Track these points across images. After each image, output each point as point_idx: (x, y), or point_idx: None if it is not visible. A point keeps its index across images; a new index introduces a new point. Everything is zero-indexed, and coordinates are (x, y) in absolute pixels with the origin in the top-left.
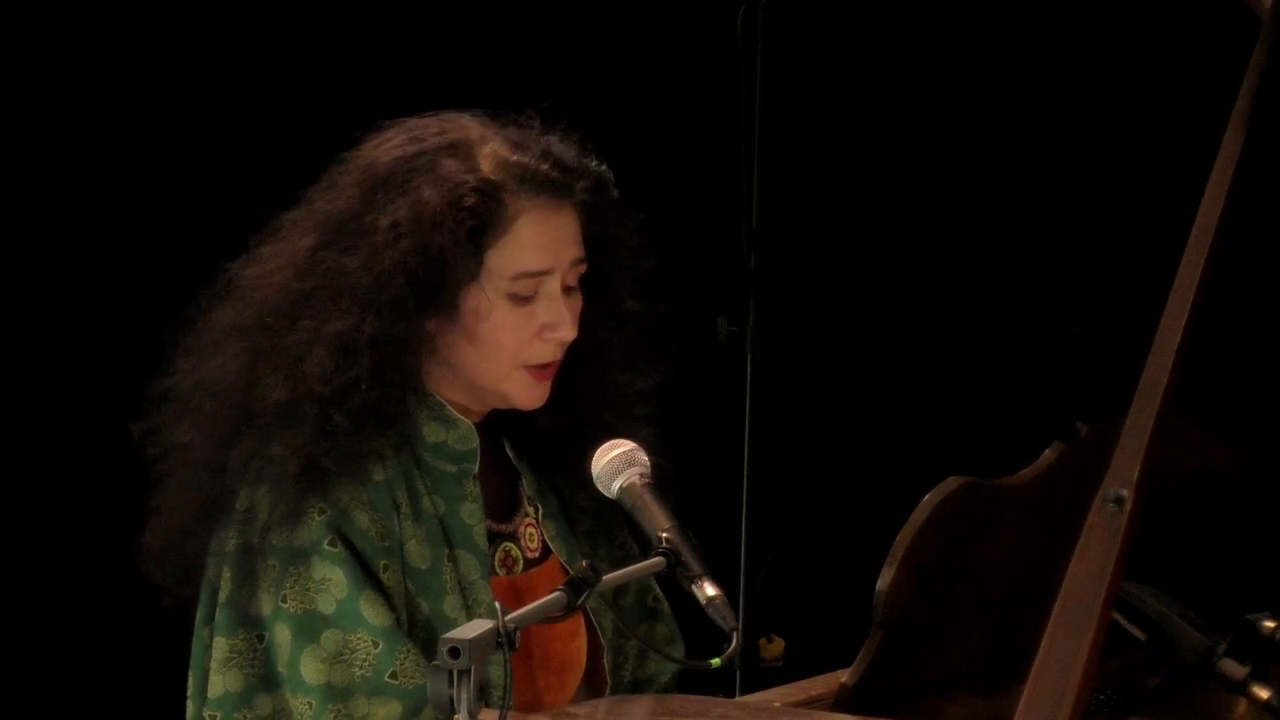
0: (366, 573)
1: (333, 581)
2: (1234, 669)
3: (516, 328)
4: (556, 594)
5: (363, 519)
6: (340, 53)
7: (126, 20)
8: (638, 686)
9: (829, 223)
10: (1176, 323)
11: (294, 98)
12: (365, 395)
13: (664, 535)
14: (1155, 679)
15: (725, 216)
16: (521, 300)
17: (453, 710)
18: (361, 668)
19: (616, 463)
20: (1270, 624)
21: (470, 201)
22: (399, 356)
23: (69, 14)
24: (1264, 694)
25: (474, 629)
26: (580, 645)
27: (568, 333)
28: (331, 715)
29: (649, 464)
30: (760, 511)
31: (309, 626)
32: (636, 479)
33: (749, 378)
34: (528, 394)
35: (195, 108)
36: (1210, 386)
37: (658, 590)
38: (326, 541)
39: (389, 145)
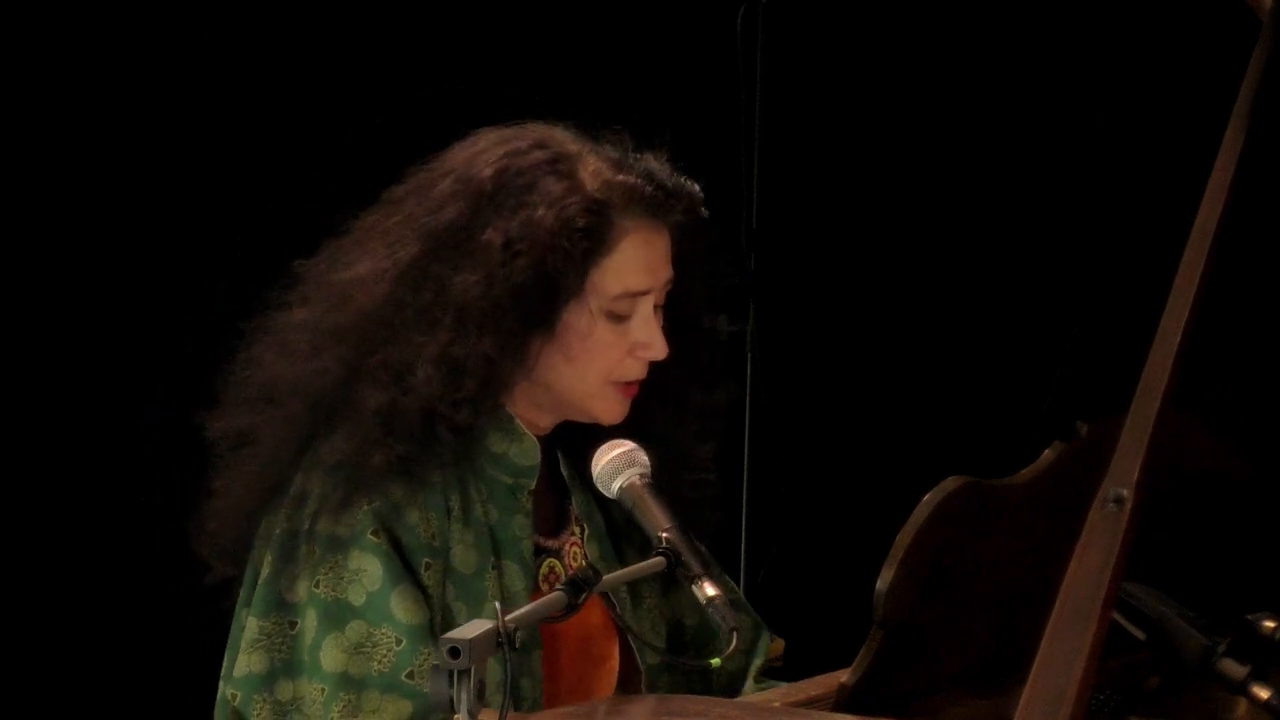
0: (405, 569)
1: (367, 573)
2: (1234, 669)
3: (612, 345)
4: (556, 593)
5: (413, 515)
6: (338, 54)
7: (129, 32)
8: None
9: (829, 223)
10: (1176, 323)
11: (305, 99)
12: (471, 410)
13: (664, 535)
14: (1155, 679)
15: (725, 216)
16: (619, 319)
17: (453, 710)
18: (380, 663)
19: (617, 462)
20: (1270, 624)
21: (583, 221)
22: (507, 374)
23: (83, 18)
24: (1264, 694)
25: (474, 629)
26: (613, 668)
27: (660, 351)
28: (341, 705)
29: (649, 464)
30: (760, 511)
31: (336, 614)
32: (637, 479)
33: (749, 378)
34: (613, 410)
35: (201, 108)
36: (1210, 386)
37: (730, 581)
38: (370, 532)
39: (486, 156)
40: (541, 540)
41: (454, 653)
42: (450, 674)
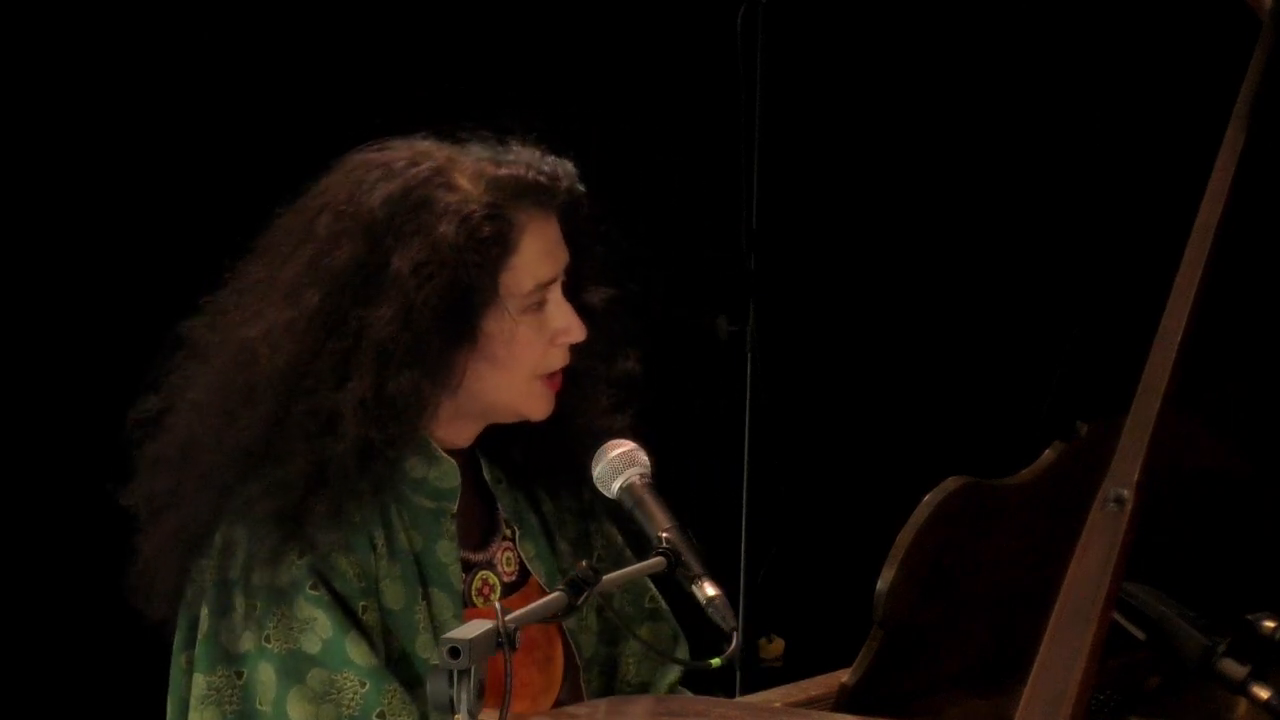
0: (349, 615)
1: (318, 622)
2: (1234, 669)
3: (534, 341)
4: (557, 594)
5: (341, 562)
6: (337, 55)
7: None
8: (642, 691)
9: (829, 223)
10: (1176, 323)
11: (304, 101)
12: (405, 443)
13: (664, 535)
14: (1155, 679)
15: (725, 216)
16: (534, 312)
17: (453, 710)
18: (349, 707)
19: (617, 462)
20: (1270, 624)
21: (486, 230)
22: (438, 399)
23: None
24: (1264, 694)
25: (474, 629)
26: (556, 669)
27: (579, 333)
28: None
29: (649, 464)
30: (760, 511)
31: (294, 667)
32: (637, 479)
33: (749, 378)
34: (541, 405)
35: (198, 116)
36: (1210, 386)
37: (654, 590)
38: (309, 585)
39: (365, 186)
40: (470, 555)
41: (454, 653)
42: (450, 674)
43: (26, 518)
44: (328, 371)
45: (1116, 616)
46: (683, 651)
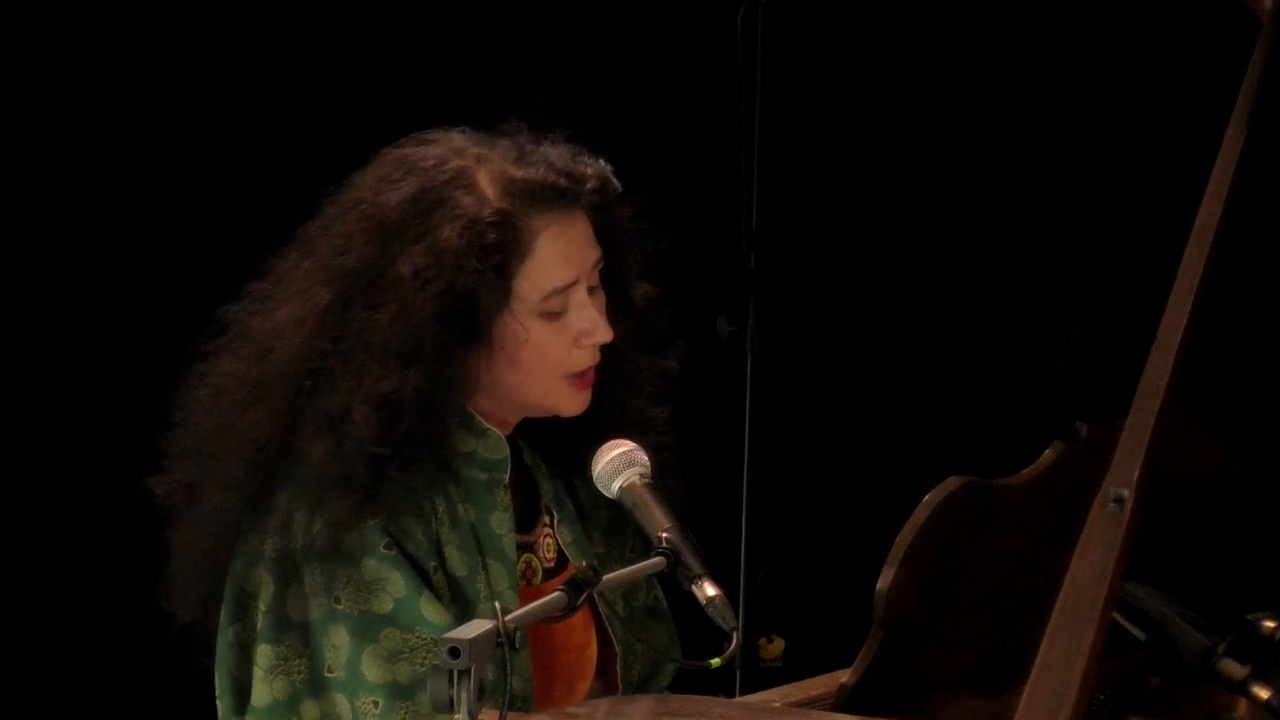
0: (422, 574)
1: (390, 581)
2: (1234, 669)
3: (554, 343)
4: (557, 594)
5: (410, 523)
6: (338, 59)
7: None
8: (643, 684)
9: (829, 223)
10: (1176, 323)
11: (278, 120)
12: (417, 444)
13: (664, 535)
14: (1155, 679)
15: (725, 216)
16: (554, 316)
17: (453, 710)
18: (423, 665)
19: (616, 463)
20: (1270, 624)
21: (491, 236)
22: (445, 400)
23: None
24: (1264, 694)
25: (474, 629)
26: (592, 654)
27: (604, 335)
28: (401, 712)
29: (649, 464)
30: (760, 511)
31: (367, 626)
32: (636, 479)
33: (749, 378)
34: (572, 403)
35: (195, 129)
36: (1210, 386)
37: (658, 589)
38: (383, 545)
39: (389, 185)
40: (517, 536)
41: (454, 653)
42: (450, 674)
43: (57, 512)
44: (333, 372)
45: (1116, 616)
46: (676, 653)
